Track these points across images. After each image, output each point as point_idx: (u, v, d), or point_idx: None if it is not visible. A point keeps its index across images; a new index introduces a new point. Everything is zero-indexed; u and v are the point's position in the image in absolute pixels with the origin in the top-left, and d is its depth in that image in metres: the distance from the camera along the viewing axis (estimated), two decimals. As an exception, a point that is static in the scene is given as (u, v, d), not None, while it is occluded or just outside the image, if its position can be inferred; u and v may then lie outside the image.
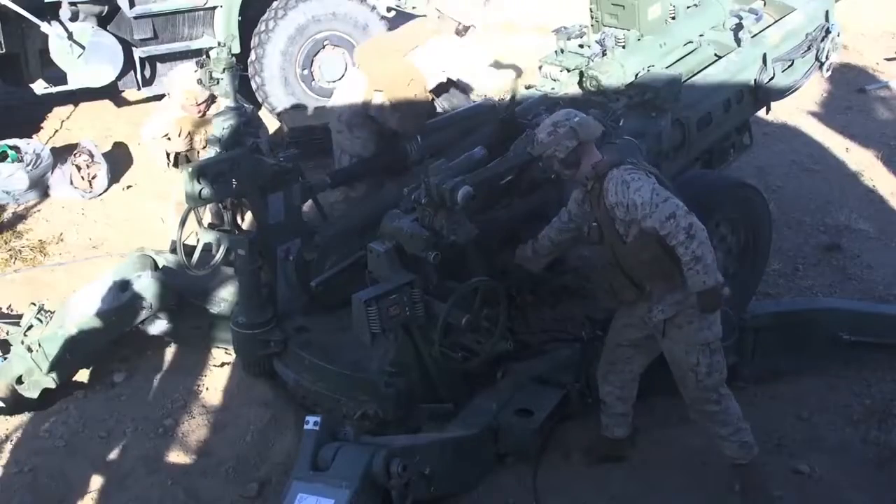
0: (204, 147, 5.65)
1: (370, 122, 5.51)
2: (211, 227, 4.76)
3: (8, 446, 4.60)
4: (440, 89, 5.67)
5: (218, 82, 4.62)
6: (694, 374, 3.92)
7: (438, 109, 5.93)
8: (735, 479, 4.10)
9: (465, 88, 5.80)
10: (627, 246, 3.81)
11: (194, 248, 4.73)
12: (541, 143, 3.94)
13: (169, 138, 5.74)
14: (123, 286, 4.85)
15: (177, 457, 4.55)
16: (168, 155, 5.79)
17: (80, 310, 4.82)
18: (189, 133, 5.75)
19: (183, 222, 4.68)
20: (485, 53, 5.85)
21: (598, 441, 4.36)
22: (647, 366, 4.22)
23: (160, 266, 5.06)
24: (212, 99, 5.67)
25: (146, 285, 4.85)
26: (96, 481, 4.39)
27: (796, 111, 7.99)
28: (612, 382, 4.25)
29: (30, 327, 4.87)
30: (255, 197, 4.56)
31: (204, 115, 5.71)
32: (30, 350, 4.72)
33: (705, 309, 3.74)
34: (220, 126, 4.53)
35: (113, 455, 4.55)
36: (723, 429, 4.02)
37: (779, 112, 7.36)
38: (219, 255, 4.71)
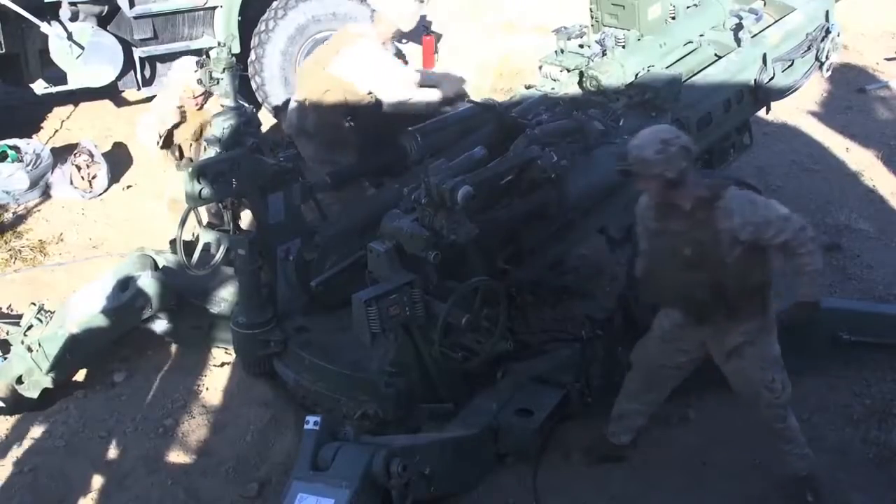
0: (198, 139, 5.65)
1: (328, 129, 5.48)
2: (211, 226, 4.76)
3: (8, 446, 4.61)
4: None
5: (218, 82, 4.62)
6: (770, 391, 3.90)
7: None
8: (805, 491, 4.11)
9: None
10: (730, 268, 3.70)
11: (194, 247, 4.73)
12: (647, 161, 3.65)
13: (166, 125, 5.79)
14: (123, 286, 4.84)
15: (177, 457, 4.55)
16: (160, 136, 5.77)
17: (81, 310, 4.81)
18: (183, 119, 5.77)
19: (183, 222, 4.68)
20: (400, 65, 5.68)
21: (598, 441, 4.35)
22: None
23: (160, 266, 5.05)
24: (208, 93, 5.68)
25: (146, 285, 4.84)
26: (96, 481, 4.39)
27: (796, 111, 7.98)
28: (643, 401, 4.23)
29: (30, 327, 4.87)
30: (255, 197, 4.57)
31: (201, 107, 5.75)
32: (30, 350, 4.72)
33: (798, 318, 3.81)
34: (220, 126, 4.53)
35: (113, 455, 4.56)
36: (787, 445, 4.05)
37: (779, 112, 7.35)
38: (219, 255, 4.72)
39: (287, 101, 7.65)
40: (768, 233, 3.65)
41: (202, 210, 4.78)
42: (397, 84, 5.41)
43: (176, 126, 5.77)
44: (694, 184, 3.71)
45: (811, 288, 3.74)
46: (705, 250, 3.70)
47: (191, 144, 5.75)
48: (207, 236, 4.71)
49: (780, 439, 4.06)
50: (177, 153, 5.76)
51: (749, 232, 3.65)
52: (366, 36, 5.42)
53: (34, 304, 5.00)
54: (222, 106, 4.81)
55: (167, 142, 5.84)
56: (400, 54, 5.79)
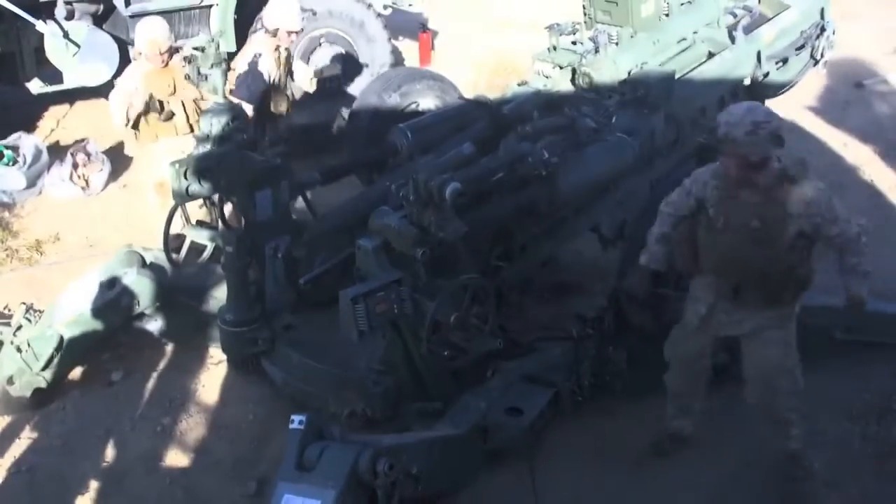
0: (174, 92, 5.67)
1: None
2: (199, 223, 4.75)
3: (5, 446, 4.60)
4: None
5: (206, 78, 4.60)
6: (790, 378, 3.92)
7: (422, 108, 5.94)
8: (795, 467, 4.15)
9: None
10: (783, 253, 3.71)
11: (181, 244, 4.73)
12: (735, 141, 3.56)
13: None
14: (111, 284, 4.83)
15: (175, 456, 4.54)
16: (128, 118, 5.72)
17: (69, 308, 4.80)
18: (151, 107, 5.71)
19: (170, 219, 4.67)
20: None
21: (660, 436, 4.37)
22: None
23: (148, 263, 5.04)
24: (174, 49, 5.68)
25: (133, 283, 4.83)
26: (94, 481, 4.38)
27: (794, 106, 7.93)
28: (688, 399, 4.28)
29: (19, 327, 4.86)
30: (243, 194, 4.55)
31: (167, 65, 5.67)
32: (19, 350, 4.71)
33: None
34: (209, 122, 4.51)
35: (111, 454, 4.55)
36: (792, 430, 4.06)
37: (776, 107, 7.27)
38: (206, 252, 4.70)
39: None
40: (832, 230, 3.69)
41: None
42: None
43: (146, 112, 5.72)
44: (774, 166, 3.65)
45: (861, 287, 3.84)
46: (772, 227, 3.67)
47: (168, 101, 5.71)
48: (195, 233, 4.69)
49: (789, 427, 4.05)
50: (158, 106, 5.70)
51: (814, 223, 3.66)
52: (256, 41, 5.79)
53: (23, 303, 5.00)
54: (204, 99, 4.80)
55: (135, 123, 5.79)
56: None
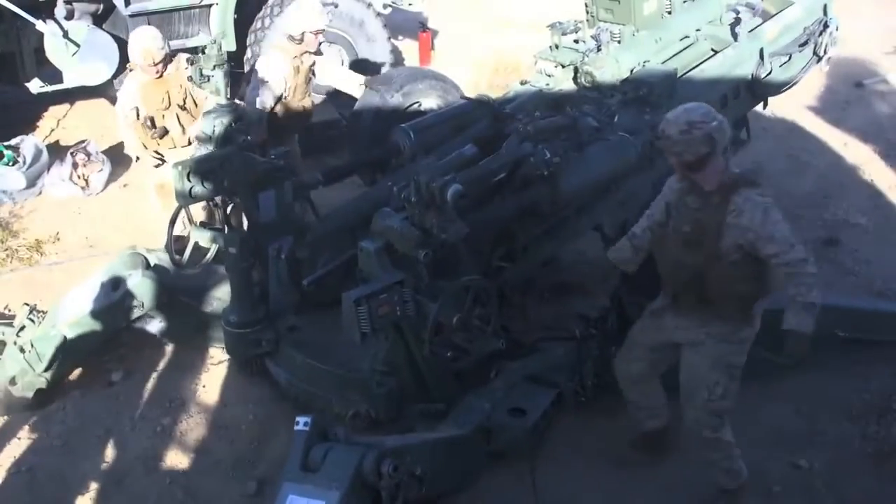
0: (168, 107, 5.65)
1: None
2: (202, 225, 4.74)
3: (6, 446, 4.60)
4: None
5: (209, 79, 4.59)
6: (708, 391, 3.82)
7: (424, 108, 5.93)
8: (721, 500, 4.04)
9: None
10: (723, 267, 3.64)
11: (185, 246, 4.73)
12: (669, 139, 3.61)
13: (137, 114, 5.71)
14: (115, 285, 4.83)
15: (175, 456, 4.54)
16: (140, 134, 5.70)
17: (72, 310, 4.80)
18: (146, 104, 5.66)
19: (173, 221, 4.67)
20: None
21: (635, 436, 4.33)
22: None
23: (152, 264, 5.04)
24: (169, 58, 5.59)
25: (137, 284, 4.83)
26: (94, 481, 4.39)
27: (794, 106, 7.96)
28: (633, 380, 4.21)
29: (22, 328, 4.85)
30: (247, 195, 4.54)
31: (161, 75, 5.61)
32: (22, 351, 4.71)
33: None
34: (211, 123, 4.50)
35: (111, 454, 4.55)
36: (714, 454, 3.96)
37: (776, 107, 7.32)
38: (210, 254, 4.70)
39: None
40: (767, 249, 3.55)
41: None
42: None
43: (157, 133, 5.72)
44: (717, 171, 3.61)
45: (796, 318, 3.57)
46: (703, 234, 3.65)
47: (163, 115, 5.70)
48: (198, 235, 4.69)
49: (707, 447, 3.95)
50: (149, 124, 5.67)
51: (749, 239, 3.58)
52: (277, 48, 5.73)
53: (27, 304, 4.99)
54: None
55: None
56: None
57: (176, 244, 4.86)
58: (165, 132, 5.67)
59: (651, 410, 4.25)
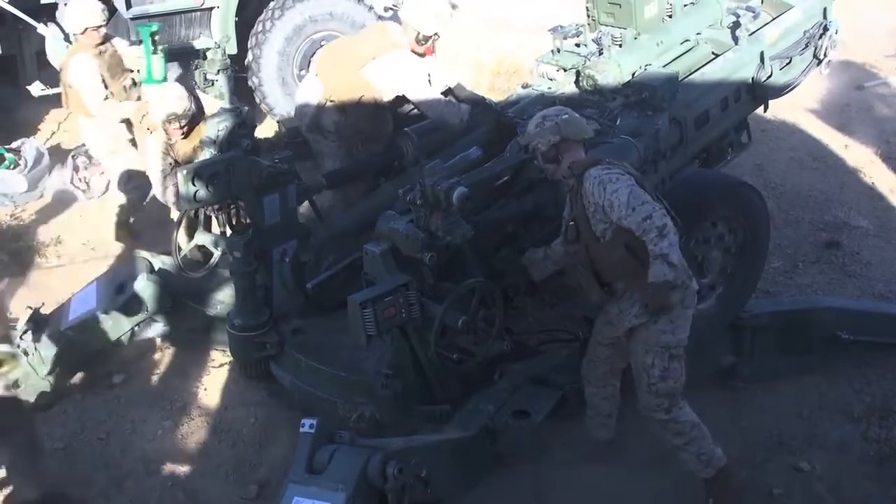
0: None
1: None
2: (207, 229, 4.75)
3: (7, 448, 4.60)
4: (399, 102, 5.40)
5: (213, 83, 4.60)
6: (647, 375, 3.87)
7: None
8: (707, 494, 4.05)
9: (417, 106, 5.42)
10: (601, 245, 3.81)
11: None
12: (527, 134, 4.01)
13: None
14: (119, 289, 4.83)
15: (176, 458, 4.55)
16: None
17: (76, 313, 4.81)
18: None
19: (179, 224, 4.68)
20: (442, 74, 5.39)
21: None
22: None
23: (156, 268, 5.04)
24: (193, 118, 5.29)
25: (142, 288, 4.84)
26: (96, 483, 4.39)
27: (795, 108, 7.97)
28: (592, 382, 4.26)
29: (26, 331, 4.85)
30: (251, 198, 4.54)
31: (187, 135, 5.34)
32: (26, 354, 4.71)
33: (650, 303, 3.66)
34: (215, 128, 4.51)
35: (112, 457, 4.56)
36: (676, 438, 3.97)
37: (778, 109, 7.35)
38: (215, 257, 4.70)
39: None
40: (613, 215, 3.67)
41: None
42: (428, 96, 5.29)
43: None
44: (570, 163, 3.89)
45: (655, 269, 3.57)
46: (580, 227, 3.88)
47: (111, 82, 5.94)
48: (203, 238, 4.69)
49: (667, 431, 3.99)
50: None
51: (597, 213, 3.74)
52: (401, 46, 5.28)
53: (30, 307, 4.99)
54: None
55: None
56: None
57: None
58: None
59: (604, 419, 4.31)
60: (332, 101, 5.25)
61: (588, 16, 5.58)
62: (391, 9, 8.22)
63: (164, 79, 5.85)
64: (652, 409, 3.95)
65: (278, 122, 7.78)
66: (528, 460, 4.27)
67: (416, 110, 5.64)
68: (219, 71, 4.58)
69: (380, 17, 8.07)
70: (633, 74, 5.16)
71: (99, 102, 5.92)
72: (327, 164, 5.36)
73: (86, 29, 6.04)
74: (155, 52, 5.78)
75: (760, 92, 5.59)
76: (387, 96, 5.24)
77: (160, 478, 4.42)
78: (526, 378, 4.45)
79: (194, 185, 4.27)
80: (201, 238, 4.68)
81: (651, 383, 3.89)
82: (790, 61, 5.72)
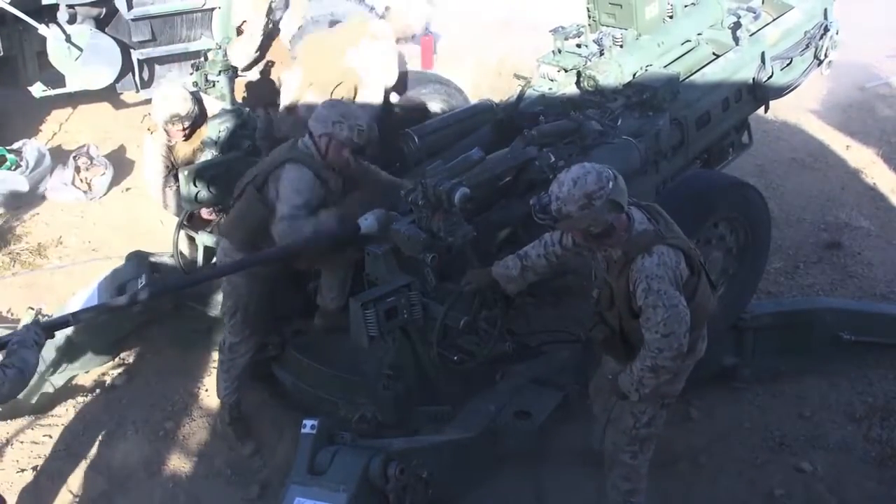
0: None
1: None
2: (208, 229, 4.75)
3: (8, 450, 4.62)
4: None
5: (214, 85, 4.60)
6: (634, 419, 3.78)
7: (435, 110, 5.91)
8: None
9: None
10: (636, 321, 3.51)
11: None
12: (570, 218, 3.34)
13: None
14: (120, 289, 4.83)
15: (177, 460, 4.56)
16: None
17: (77, 313, 4.80)
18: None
19: (180, 225, 4.68)
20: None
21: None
22: None
23: (158, 269, 5.04)
24: (195, 121, 5.03)
25: (143, 288, 4.83)
26: (97, 484, 4.41)
27: (796, 109, 7.97)
28: (598, 403, 4.18)
29: (27, 332, 4.85)
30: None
31: (188, 138, 5.10)
32: (27, 354, 4.70)
33: (616, 392, 3.66)
34: (217, 129, 4.51)
35: (113, 458, 4.57)
36: (622, 483, 3.91)
37: (779, 110, 7.35)
38: (216, 258, 4.69)
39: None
40: (642, 320, 3.40)
41: None
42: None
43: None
44: (624, 249, 3.42)
45: (625, 379, 3.56)
46: (617, 300, 3.52)
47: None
48: (204, 239, 4.69)
49: (618, 474, 3.90)
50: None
51: (637, 305, 3.43)
52: (386, 35, 5.28)
53: (32, 308, 4.99)
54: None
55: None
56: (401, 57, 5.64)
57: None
58: None
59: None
60: (313, 87, 5.25)
61: (589, 16, 5.57)
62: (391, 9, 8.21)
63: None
64: (621, 450, 3.87)
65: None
66: (529, 461, 4.26)
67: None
68: (220, 72, 4.58)
69: (381, 18, 8.06)
70: (634, 75, 5.17)
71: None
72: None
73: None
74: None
75: (761, 92, 5.59)
76: (367, 82, 5.22)
77: (162, 479, 4.43)
78: (527, 379, 4.45)
79: (195, 185, 4.27)
80: (202, 238, 4.68)
81: (635, 427, 3.79)
82: (791, 62, 5.72)
